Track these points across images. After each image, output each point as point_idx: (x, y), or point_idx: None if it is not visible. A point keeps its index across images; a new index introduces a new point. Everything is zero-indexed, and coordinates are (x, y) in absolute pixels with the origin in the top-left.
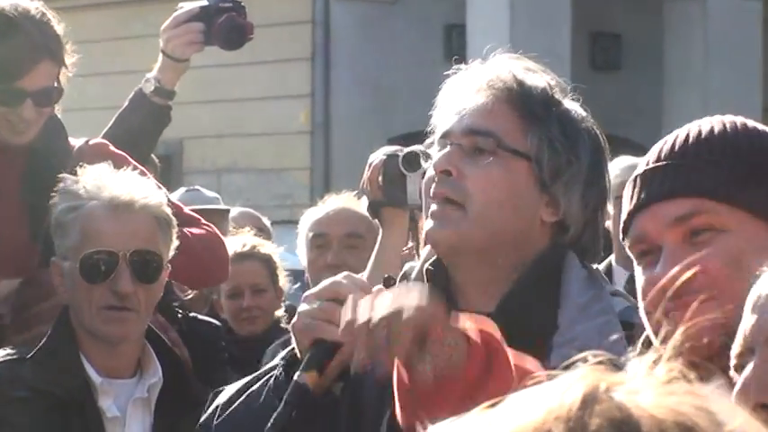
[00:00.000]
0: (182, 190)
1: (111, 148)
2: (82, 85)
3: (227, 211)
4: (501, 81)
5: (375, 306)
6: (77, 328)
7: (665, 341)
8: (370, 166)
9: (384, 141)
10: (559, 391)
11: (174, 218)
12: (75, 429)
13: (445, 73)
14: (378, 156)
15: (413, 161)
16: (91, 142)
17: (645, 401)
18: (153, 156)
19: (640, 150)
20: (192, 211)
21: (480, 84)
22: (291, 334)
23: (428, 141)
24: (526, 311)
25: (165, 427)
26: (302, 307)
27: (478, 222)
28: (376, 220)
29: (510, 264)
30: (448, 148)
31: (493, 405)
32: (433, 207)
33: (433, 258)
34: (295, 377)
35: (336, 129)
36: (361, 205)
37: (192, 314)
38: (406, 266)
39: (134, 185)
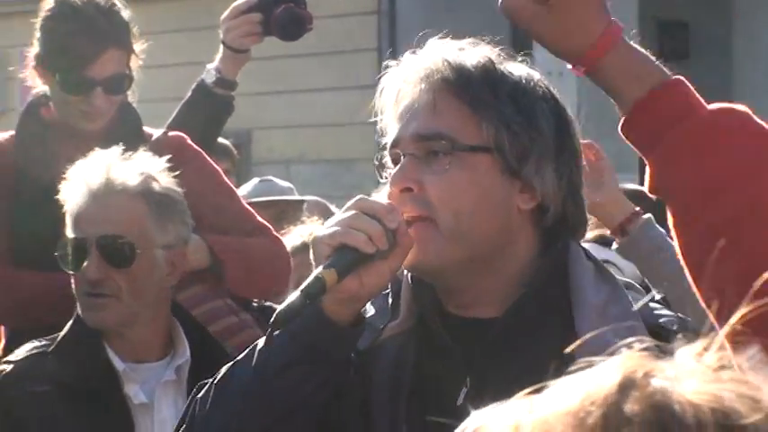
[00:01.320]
0: (255, 181)
1: (189, 141)
2: (150, 77)
3: (302, 201)
4: (436, 71)
5: None
6: None
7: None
8: None
9: None
10: (598, 377)
11: (174, 195)
12: (102, 420)
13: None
14: None
15: None
16: (170, 134)
17: (685, 388)
18: (231, 146)
19: None
20: (267, 202)
21: (415, 78)
22: (311, 249)
23: (380, 152)
24: (539, 317)
25: None
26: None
27: (454, 238)
28: None
29: (500, 265)
30: (402, 162)
31: (535, 391)
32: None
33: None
34: (315, 272)
35: None
36: None
37: (266, 303)
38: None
39: (113, 169)
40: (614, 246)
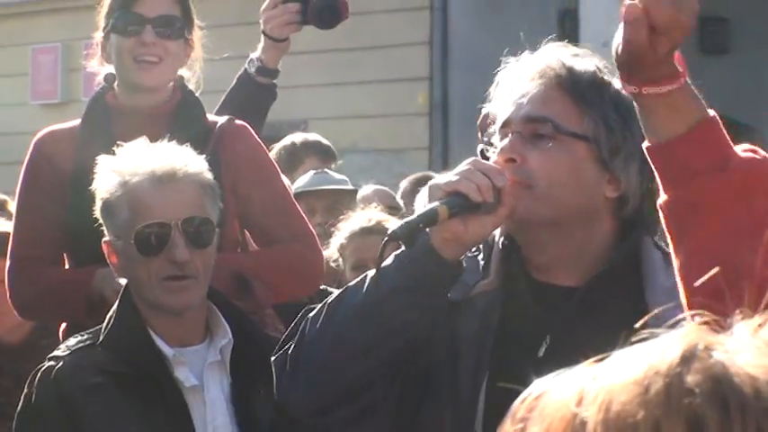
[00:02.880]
0: (311, 173)
1: (251, 131)
2: (211, 69)
3: (355, 191)
4: (551, 69)
5: None
6: (140, 304)
7: None
8: (482, 116)
9: None
10: (661, 348)
11: (215, 183)
12: (156, 406)
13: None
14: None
15: None
16: (236, 122)
17: (743, 360)
18: (332, 148)
19: (746, 132)
20: (321, 191)
21: (532, 73)
22: (428, 193)
23: (489, 131)
24: (614, 290)
25: (244, 386)
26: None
27: (545, 199)
28: None
29: (581, 239)
30: (510, 137)
31: (599, 360)
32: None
33: (505, 237)
34: (430, 205)
35: (453, 110)
36: None
37: (322, 287)
38: None
39: (173, 156)
40: None
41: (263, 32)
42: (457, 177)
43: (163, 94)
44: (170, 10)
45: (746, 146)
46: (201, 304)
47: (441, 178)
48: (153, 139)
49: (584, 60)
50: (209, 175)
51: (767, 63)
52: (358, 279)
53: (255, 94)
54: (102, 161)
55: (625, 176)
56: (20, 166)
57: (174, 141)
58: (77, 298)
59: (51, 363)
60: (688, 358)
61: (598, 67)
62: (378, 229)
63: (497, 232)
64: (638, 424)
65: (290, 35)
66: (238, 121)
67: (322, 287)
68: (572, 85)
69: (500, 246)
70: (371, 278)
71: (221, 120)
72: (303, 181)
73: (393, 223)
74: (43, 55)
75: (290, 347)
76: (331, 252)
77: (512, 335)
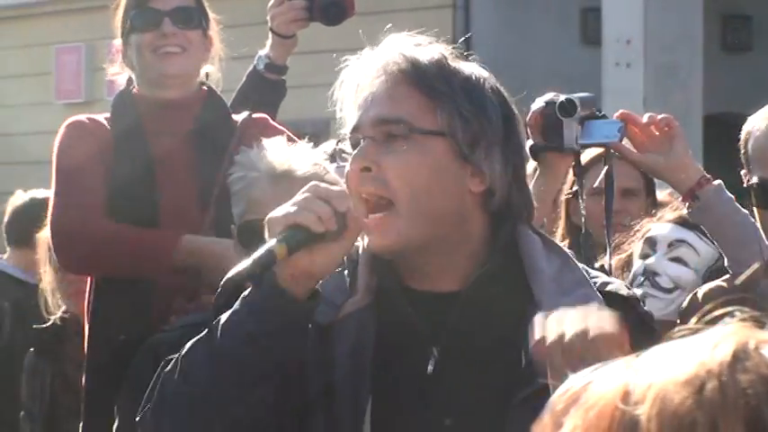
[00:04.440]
0: (332, 167)
1: (272, 122)
2: (232, 67)
3: None
4: (394, 63)
5: (565, 324)
6: None
7: None
8: (531, 113)
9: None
10: (710, 345)
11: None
12: None
13: (581, 53)
14: (538, 103)
15: (569, 107)
16: (254, 116)
17: None
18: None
19: None
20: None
21: (375, 70)
22: (265, 228)
23: (339, 138)
24: (499, 288)
25: None
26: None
27: (411, 218)
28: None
29: (456, 242)
30: (361, 143)
31: (639, 355)
32: (366, 218)
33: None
34: (266, 245)
35: None
36: None
37: None
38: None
39: (296, 155)
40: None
41: (271, 29)
42: (295, 208)
43: (189, 86)
44: (185, 1)
45: None
46: None
47: (278, 211)
48: (180, 132)
49: (426, 49)
50: (329, 177)
51: None
52: (207, 330)
53: (265, 91)
54: (241, 151)
55: (488, 167)
56: (47, 165)
57: (198, 135)
58: (158, 256)
59: (159, 336)
60: (740, 357)
61: (443, 55)
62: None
63: (360, 244)
64: (695, 424)
65: (296, 32)
66: (257, 114)
67: None
68: (419, 78)
69: (364, 259)
70: (222, 326)
71: (242, 116)
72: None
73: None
74: (67, 55)
75: (149, 408)
76: None
77: (393, 353)
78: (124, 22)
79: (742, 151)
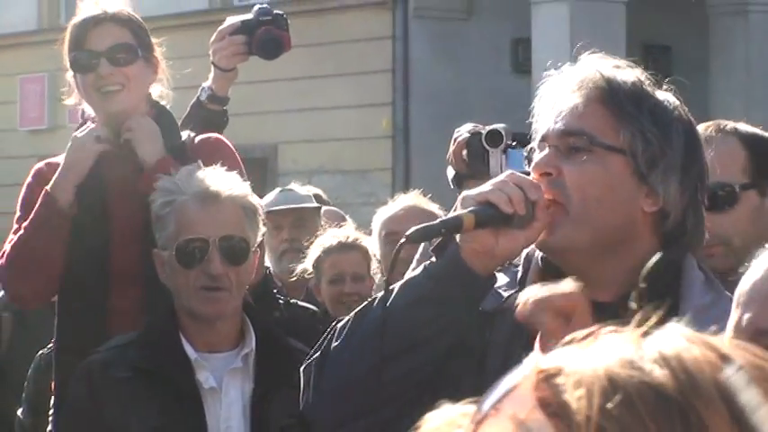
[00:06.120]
0: (276, 191)
1: (227, 142)
2: (177, 98)
3: (319, 208)
4: (590, 81)
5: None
6: (179, 311)
7: None
8: (455, 141)
9: None
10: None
11: (257, 206)
12: (174, 401)
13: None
14: (462, 132)
15: (495, 138)
16: (212, 138)
17: None
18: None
19: None
20: (285, 210)
21: (572, 86)
22: (458, 201)
23: (529, 146)
24: (647, 306)
25: (264, 393)
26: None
27: (582, 222)
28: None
29: (621, 257)
30: (546, 151)
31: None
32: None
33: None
34: (457, 212)
35: (415, 133)
36: (428, 203)
37: (292, 300)
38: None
39: (220, 179)
40: None
41: (213, 63)
42: (489, 187)
43: (136, 114)
44: (120, 38)
45: None
46: (234, 315)
47: (474, 189)
48: (127, 163)
49: (624, 72)
50: (253, 200)
51: (705, 87)
52: (386, 290)
53: (208, 120)
54: (161, 178)
55: (664, 189)
56: (10, 188)
57: None
58: (47, 213)
59: (93, 357)
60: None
61: (639, 79)
62: (355, 246)
63: (533, 259)
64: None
65: (236, 65)
66: (214, 136)
67: (292, 300)
68: (610, 98)
69: (539, 260)
70: (398, 288)
71: (201, 136)
72: (269, 199)
73: (365, 241)
74: (30, 84)
75: (316, 358)
76: (306, 265)
77: None
78: (68, 60)
79: None
